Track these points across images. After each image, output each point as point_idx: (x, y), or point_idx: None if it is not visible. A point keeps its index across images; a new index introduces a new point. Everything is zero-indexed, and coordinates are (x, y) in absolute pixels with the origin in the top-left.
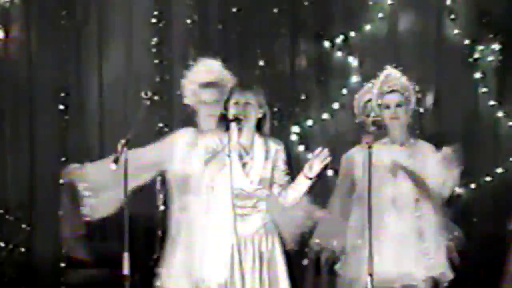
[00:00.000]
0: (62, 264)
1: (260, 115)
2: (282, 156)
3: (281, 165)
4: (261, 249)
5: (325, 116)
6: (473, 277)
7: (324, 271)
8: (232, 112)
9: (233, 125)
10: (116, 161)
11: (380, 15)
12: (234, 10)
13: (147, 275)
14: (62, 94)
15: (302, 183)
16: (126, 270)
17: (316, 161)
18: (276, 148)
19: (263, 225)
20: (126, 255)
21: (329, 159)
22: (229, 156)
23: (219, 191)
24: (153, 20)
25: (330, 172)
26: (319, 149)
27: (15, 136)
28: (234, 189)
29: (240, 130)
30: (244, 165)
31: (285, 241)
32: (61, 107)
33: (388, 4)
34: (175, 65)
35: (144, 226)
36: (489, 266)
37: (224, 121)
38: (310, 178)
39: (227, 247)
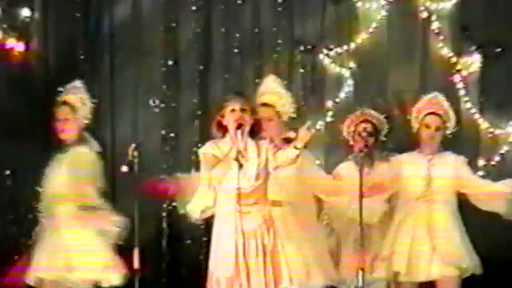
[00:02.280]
0: None
1: (252, 121)
2: (271, 149)
3: (273, 151)
4: (264, 242)
5: (320, 123)
6: None
7: None
8: (230, 119)
9: (238, 132)
10: (128, 164)
11: (371, 29)
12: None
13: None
14: None
15: (291, 151)
16: (136, 265)
17: (303, 134)
18: (265, 145)
19: (264, 221)
20: (136, 251)
21: (313, 131)
22: (236, 159)
23: (223, 191)
24: (162, 30)
25: None
26: (307, 123)
27: (32, 141)
28: (237, 189)
29: (242, 134)
30: (241, 166)
31: None
32: None
33: (379, 19)
34: (182, 75)
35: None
36: None
37: (221, 128)
38: (298, 148)
39: (232, 243)
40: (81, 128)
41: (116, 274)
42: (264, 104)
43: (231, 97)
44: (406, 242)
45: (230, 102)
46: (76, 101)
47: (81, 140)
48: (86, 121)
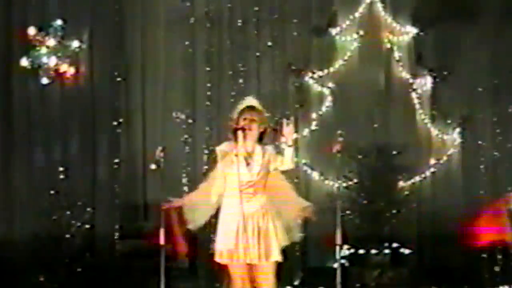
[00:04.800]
0: (116, 237)
1: (261, 130)
2: (274, 152)
3: (275, 155)
4: (259, 225)
5: (306, 131)
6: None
7: None
8: (240, 124)
9: (239, 133)
10: (156, 163)
11: (346, 57)
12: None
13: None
14: (115, 113)
15: (287, 150)
16: (162, 241)
17: (287, 133)
18: (269, 149)
19: (261, 207)
20: (162, 230)
21: (292, 127)
22: (236, 155)
23: (230, 182)
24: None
25: None
26: (284, 122)
27: (80, 145)
28: (240, 181)
29: (245, 137)
30: (248, 164)
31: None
32: (115, 123)
33: (352, 49)
34: (198, 91)
35: None
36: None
37: (235, 133)
38: (290, 145)
39: (234, 223)
40: None
41: None
42: None
43: (245, 109)
44: None
45: (244, 113)
46: None
47: None
48: None
